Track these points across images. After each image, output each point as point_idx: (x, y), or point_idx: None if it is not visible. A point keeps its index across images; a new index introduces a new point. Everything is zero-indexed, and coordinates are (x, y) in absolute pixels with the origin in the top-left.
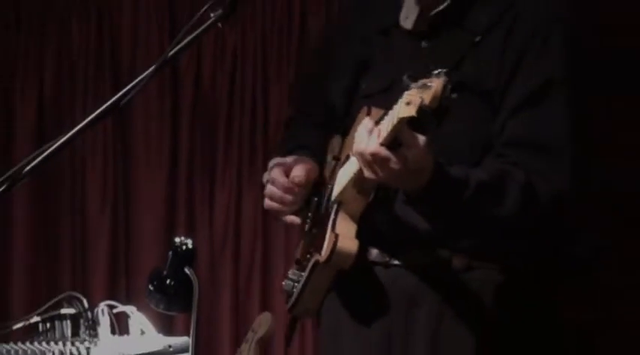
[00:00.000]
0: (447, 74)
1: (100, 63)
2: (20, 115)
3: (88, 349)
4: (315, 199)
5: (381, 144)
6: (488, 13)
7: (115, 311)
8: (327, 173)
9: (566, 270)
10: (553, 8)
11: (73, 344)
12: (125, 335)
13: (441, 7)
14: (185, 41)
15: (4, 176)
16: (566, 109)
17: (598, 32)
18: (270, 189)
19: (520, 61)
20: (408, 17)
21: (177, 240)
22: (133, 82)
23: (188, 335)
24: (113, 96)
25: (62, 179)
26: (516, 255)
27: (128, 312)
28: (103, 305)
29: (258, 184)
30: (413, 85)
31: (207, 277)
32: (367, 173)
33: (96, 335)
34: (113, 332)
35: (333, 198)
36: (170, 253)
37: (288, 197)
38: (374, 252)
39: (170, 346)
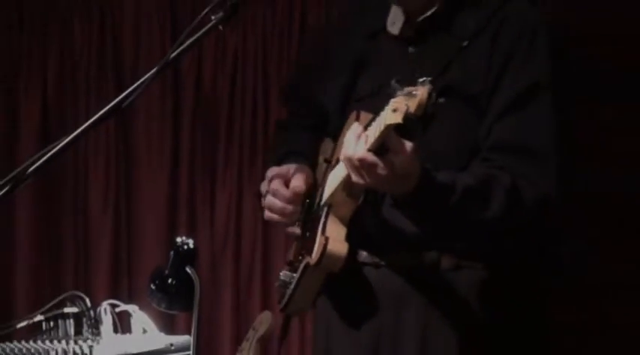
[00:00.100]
0: (431, 82)
1: (102, 63)
2: (24, 115)
3: (90, 347)
4: (307, 201)
5: (369, 150)
6: (475, 18)
7: (117, 310)
8: (318, 175)
9: (550, 271)
10: (538, 12)
11: (75, 342)
12: (127, 334)
13: (428, 14)
14: (187, 43)
15: (8, 177)
16: (552, 113)
17: (587, 41)
18: (271, 200)
19: (506, 64)
20: (395, 23)
21: (178, 239)
22: (135, 84)
23: (189, 333)
24: (116, 95)
25: (65, 180)
26: (503, 256)
27: (130, 311)
28: (105, 305)
29: (259, 185)
30: (399, 92)
31: (209, 276)
32: (355, 178)
33: (98, 334)
34: (115, 330)
35: (323, 201)
36: (172, 253)
37: (289, 208)
38: (363, 254)
39: (172, 344)
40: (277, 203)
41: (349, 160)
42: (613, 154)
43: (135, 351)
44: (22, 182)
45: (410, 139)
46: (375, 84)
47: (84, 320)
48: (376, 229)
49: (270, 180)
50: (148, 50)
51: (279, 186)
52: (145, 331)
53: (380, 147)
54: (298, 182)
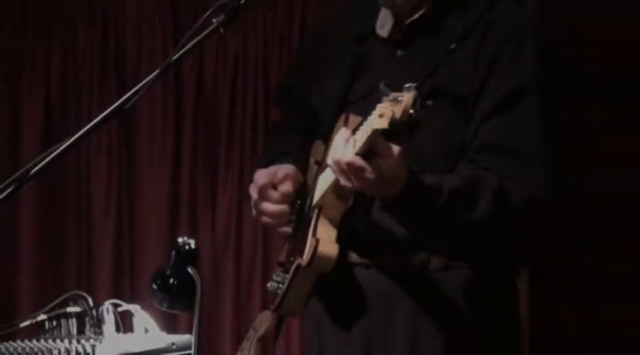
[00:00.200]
0: (417, 88)
1: (105, 64)
2: (27, 115)
3: (93, 346)
4: (299, 203)
5: (357, 154)
6: (462, 21)
7: (119, 309)
8: (309, 177)
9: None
10: (527, 15)
11: (78, 341)
12: (129, 333)
13: (416, 17)
14: (188, 46)
15: (11, 178)
16: (539, 115)
17: (575, 42)
18: (260, 205)
19: (493, 67)
20: (384, 26)
21: (180, 240)
22: (137, 86)
23: (191, 333)
24: (118, 96)
25: (68, 181)
26: (491, 257)
27: (132, 311)
28: (107, 304)
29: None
30: (385, 98)
31: (210, 276)
32: (343, 181)
33: (101, 333)
34: (118, 330)
35: (314, 203)
36: (173, 253)
37: (279, 210)
38: (353, 256)
39: (173, 344)
40: (268, 206)
41: (337, 164)
42: (606, 155)
43: (137, 350)
44: (25, 183)
45: (397, 143)
46: (364, 87)
47: (86, 319)
48: (366, 231)
49: (259, 185)
50: (150, 51)
51: (268, 190)
52: (146, 330)
53: (367, 151)
54: (286, 184)
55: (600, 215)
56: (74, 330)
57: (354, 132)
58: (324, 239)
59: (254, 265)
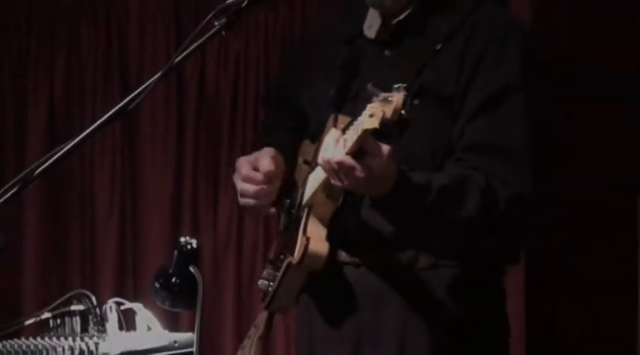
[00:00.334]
0: (406, 89)
1: (108, 64)
2: (32, 115)
3: (96, 344)
4: (288, 201)
5: (347, 154)
6: (448, 22)
7: (122, 308)
8: (298, 176)
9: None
10: (511, 17)
11: (82, 339)
12: (132, 331)
13: (402, 17)
14: (190, 48)
15: (16, 178)
16: (525, 114)
17: (562, 43)
18: (242, 186)
19: (479, 66)
20: (371, 26)
21: (182, 239)
22: (140, 88)
23: (193, 331)
24: (121, 96)
25: (72, 182)
26: (479, 255)
27: (135, 309)
28: (111, 303)
29: None
30: (375, 97)
31: (211, 275)
32: (333, 180)
33: (104, 331)
34: (121, 328)
35: (304, 202)
36: (175, 252)
37: (262, 189)
38: (343, 254)
39: (175, 341)
40: (249, 187)
41: (328, 163)
42: (603, 155)
43: (139, 348)
44: (30, 183)
45: (386, 142)
46: (353, 87)
47: (90, 317)
48: (355, 229)
49: (240, 168)
50: (153, 52)
51: (249, 171)
52: (149, 328)
53: (357, 151)
54: (265, 162)
55: (597, 215)
56: (78, 328)
57: (343, 132)
58: (315, 237)
59: (255, 264)
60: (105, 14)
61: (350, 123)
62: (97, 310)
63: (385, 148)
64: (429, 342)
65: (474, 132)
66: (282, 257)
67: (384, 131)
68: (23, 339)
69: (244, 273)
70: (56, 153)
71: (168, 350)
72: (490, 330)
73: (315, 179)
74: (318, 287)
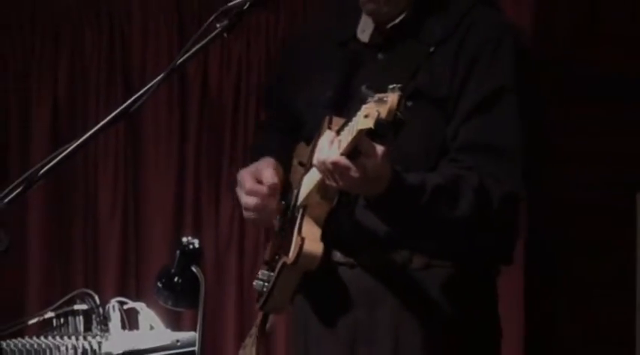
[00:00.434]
0: (401, 89)
1: (111, 64)
2: (36, 115)
3: (99, 343)
4: (283, 203)
5: (342, 154)
6: (442, 25)
7: (125, 307)
8: (293, 178)
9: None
10: (505, 18)
11: (85, 338)
12: (135, 330)
13: (396, 22)
14: (193, 50)
15: (21, 178)
16: (518, 114)
17: (562, 43)
18: (247, 199)
19: (472, 68)
20: (364, 30)
21: (184, 239)
22: (143, 89)
23: (195, 330)
24: (124, 95)
25: (75, 182)
26: (473, 254)
27: (138, 308)
28: (113, 302)
29: None
30: (370, 98)
31: (213, 275)
32: (328, 181)
33: (107, 330)
34: (123, 327)
35: (299, 202)
36: (178, 252)
37: (266, 203)
38: (337, 254)
39: (178, 340)
40: (255, 201)
41: (323, 164)
42: (601, 156)
43: (142, 347)
44: (34, 183)
45: (381, 143)
46: (347, 90)
47: (93, 317)
48: (349, 230)
49: (243, 183)
50: (155, 53)
51: (253, 185)
52: (152, 327)
53: (352, 151)
54: (269, 176)
55: (596, 215)
56: (81, 327)
57: (338, 133)
58: (310, 237)
59: (257, 264)
60: (108, 15)
61: (344, 125)
62: (100, 309)
63: (379, 149)
64: (422, 342)
65: (468, 133)
66: (277, 257)
67: (379, 131)
68: (27, 338)
69: (246, 273)
70: (60, 154)
71: (171, 349)
72: (483, 330)
73: (310, 180)
74: (312, 287)
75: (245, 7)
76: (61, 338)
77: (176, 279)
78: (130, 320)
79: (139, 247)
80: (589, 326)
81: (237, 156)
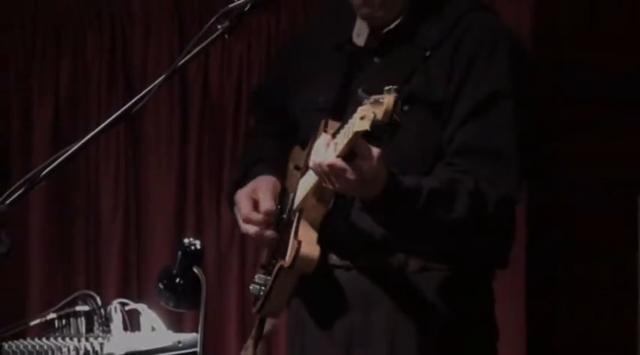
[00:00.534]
0: (397, 91)
1: (113, 64)
2: (38, 115)
3: (101, 344)
4: (279, 207)
5: (338, 156)
6: (437, 28)
7: (126, 308)
8: (288, 182)
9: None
10: (500, 22)
11: (87, 339)
12: (136, 332)
13: (392, 26)
14: (193, 51)
15: (22, 180)
16: (514, 118)
17: (562, 44)
18: (244, 226)
19: (468, 72)
20: (360, 35)
21: (186, 240)
22: (144, 91)
23: (196, 331)
24: (125, 96)
25: (77, 183)
26: (468, 257)
27: (139, 310)
28: (115, 303)
29: None
30: (366, 100)
31: (215, 276)
32: (325, 183)
33: (109, 332)
34: (125, 328)
35: (295, 206)
36: (179, 253)
37: (264, 231)
38: (333, 257)
39: (179, 342)
40: (251, 229)
41: (319, 166)
42: (599, 158)
43: (144, 348)
44: (36, 185)
45: (377, 145)
46: (342, 93)
47: (95, 318)
48: (345, 232)
49: (241, 207)
50: (157, 52)
51: (249, 212)
52: (153, 329)
53: (348, 154)
54: (267, 202)
55: (597, 215)
56: (83, 329)
57: (334, 136)
58: (306, 241)
59: (258, 264)
60: (109, 16)
61: (340, 128)
62: (102, 311)
63: (375, 151)
64: (418, 345)
65: (464, 137)
66: (273, 261)
67: (375, 133)
68: (29, 340)
69: (247, 274)
70: (62, 155)
71: (172, 351)
72: (479, 333)
73: (306, 183)
74: (308, 290)
75: (246, 9)
76: (63, 339)
77: (177, 280)
78: (131, 322)
79: (140, 248)
80: (590, 327)
81: (238, 157)
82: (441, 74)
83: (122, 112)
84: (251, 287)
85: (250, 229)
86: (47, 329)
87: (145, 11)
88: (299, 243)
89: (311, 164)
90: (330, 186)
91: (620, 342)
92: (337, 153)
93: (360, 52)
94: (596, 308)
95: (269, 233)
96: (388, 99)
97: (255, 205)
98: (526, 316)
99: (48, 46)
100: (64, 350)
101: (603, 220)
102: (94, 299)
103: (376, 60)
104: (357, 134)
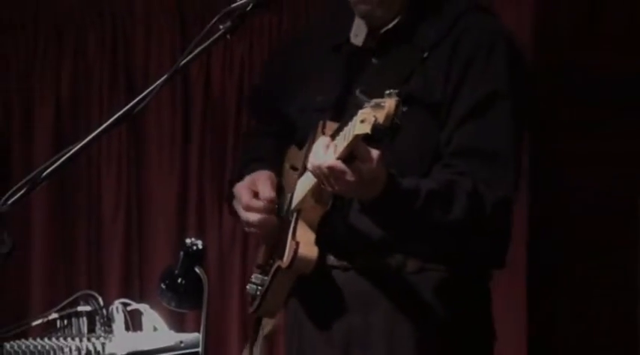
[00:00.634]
0: (398, 94)
1: (114, 64)
2: (39, 115)
3: (103, 344)
4: (275, 207)
5: (338, 158)
6: (436, 29)
7: (128, 308)
8: (285, 182)
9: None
10: (498, 23)
11: (89, 340)
12: (138, 332)
13: (390, 26)
14: (195, 52)
15: (24, 180)
16: (511, 119)
17: (563, 45)
18: (245, 215)
19: (466, 74)
20: (357, 35)
21: (188, 240)
22: (146, 91)
23: (198, 331)
24: (127, 97)
25: (79, 183)
26: (466, 258)
27: (141, 310)
28: (117, 303)
29: None
30: (367, 103)
31: (217, 276)
32: (324, 186)
33: (111, 332)
34: (127, 328)
35: (292, 207)
36: (181, 253)
37: (265, 218)
38: (331, 258)
39: (181, 342)
40: (253, 216)
41: (319, 168)
42: (599, 160)
43: (146, 348)
44: (37, 185)
45: (376, 147)
46: (340, 94)
47: (97, 318)
48: (343, 233)
49: (241, 197)
50: (158, 52)
51: (250, 200)
52: (155, 329)
53: (348, 156)
54: (266, 190)
55: (598, 215)
56: (85, 329)
57: (332, 137)
58: (304, 241)
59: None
60: (111, 16)
61: (339, 129)
62: (104, 311)
63: (374, 153)
64: (416, 345)
65: (462, 138)
66: (270, 261)
67: (376, 137)
68: (31, 340)
69: (249, 274)
70: (63, 155)
71: (175, 351)
72: (476, 333)
73: (304, 184)
74: (306, 291)
75: (248, 9)
76: (65, 339)
77: (179, 280)
78: (133, 322)
79: (142, 248)
80: (590, 327)
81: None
82: (439, 75)
83: (124, 112)
84: (248, 287)
85: (251, 216)
86: (49, 329)
87: (146, 11)
88: (297, 243)
89: (310, 166)
90: (330, 189)
91: (620, 342)
92: (337, 155)
93: (358, 53)
94: (597, 309)
95: (271, 218)
96: (389, 103)
97: (256, 195)
98: (528, 317)
99: (49, 45)
100: (66, 350)
101: (603, 220)
102: (96, 300)
103: (374, 61)
104: (357, 137)
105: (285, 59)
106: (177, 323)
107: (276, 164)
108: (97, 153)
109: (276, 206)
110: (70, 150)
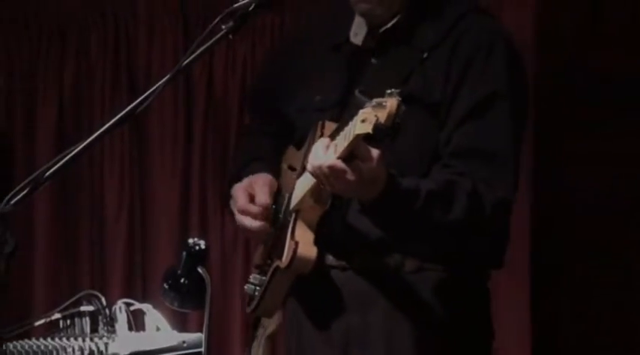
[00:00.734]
0: (399, 94)
1: (116, 64)
2: (41, 115)
3: (106, 344)
4: (273, 207)
5: (338, 158)
6: (435, 29)
7: (131, 308)
8: (283, 182)
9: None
10: (498, 24)
11: (92, 339)
12: (141, 332)
13: (389, 25)
14: (198, 51)
15: (27, 180)
16: (510, 120)
17: (564, 46)
18: (240, 219)
19: (465, 74)
20: (357, 34)
21: (190, 241)
22: (148, 91)
23: (201, 331)
24: (129, 97)
25: (82, 184)
26: (466, 258)
27: (144, 310)
28: (120, 303)
29: None
30: (368, 103)
31: (219, 276)
32: (324, 185)
33: (114, 332)
34: (130, 328)
35: (291, 207)
36: (184, 253)
37: (260, 224)
38: (330, 258)
39: (184, 342)
40: (247, 221)
41: (319, 168)
42: (600, 159)
43: (148, 348)
44: (40, 185)
45: (376, 147)
46: (339, 94)
47: (99, 318)
48: (342, 233)
49: (237, 200)
50: (161, 52)
51: (245, 204)
52: (158, 329)
53: (348, 156)
54: (263, 197)
55: (599, 215)
56: (87, 329)
57: (332, 138)
58: (303, 241)
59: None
60: (113, 16)
61: (338, 129)
62: (107, 311)
63: (375, 152)
64: (415, 344)
65: (461, 139)
66: (269, 261)
67: (377, 136)
68: (34, 340)
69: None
70: (66, 155)
71: (177, 351)
72: (474, 333)
73: (303, 184)
74: (305, 291)
75: (250, 9)
76: (68, 339)
77: (182, 280)
78: (136, 322)
79: (145, 248)
80: (593, 326)
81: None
82: (439, 75)
83: (126, 112)
84: (246, 287)
85: (246, 221)
86: (52, 329)
87: (149, 12)
88: (296, 243)
89: (309, 167)
90: (329, 189)
91: (622, 342)
92: (337, 154)
93: (358, 52)
94: (599, 308)
95: (265, 225)
96: (391, 103)
97: (252, 199)
98: (531, 317)
99: (52, 46)
100: (69, 350)
101: (605, 220)
102: (99, 300)
103: (373, 60)
104: (358, 137)
105: (285, 58)
106: (180, 323)
107: (275, 164)
108: (100, 153)
109: (272, 210)
110: (73, 150)
